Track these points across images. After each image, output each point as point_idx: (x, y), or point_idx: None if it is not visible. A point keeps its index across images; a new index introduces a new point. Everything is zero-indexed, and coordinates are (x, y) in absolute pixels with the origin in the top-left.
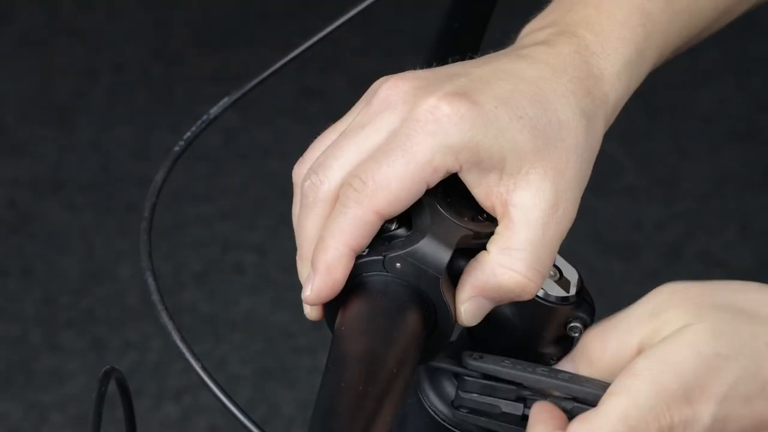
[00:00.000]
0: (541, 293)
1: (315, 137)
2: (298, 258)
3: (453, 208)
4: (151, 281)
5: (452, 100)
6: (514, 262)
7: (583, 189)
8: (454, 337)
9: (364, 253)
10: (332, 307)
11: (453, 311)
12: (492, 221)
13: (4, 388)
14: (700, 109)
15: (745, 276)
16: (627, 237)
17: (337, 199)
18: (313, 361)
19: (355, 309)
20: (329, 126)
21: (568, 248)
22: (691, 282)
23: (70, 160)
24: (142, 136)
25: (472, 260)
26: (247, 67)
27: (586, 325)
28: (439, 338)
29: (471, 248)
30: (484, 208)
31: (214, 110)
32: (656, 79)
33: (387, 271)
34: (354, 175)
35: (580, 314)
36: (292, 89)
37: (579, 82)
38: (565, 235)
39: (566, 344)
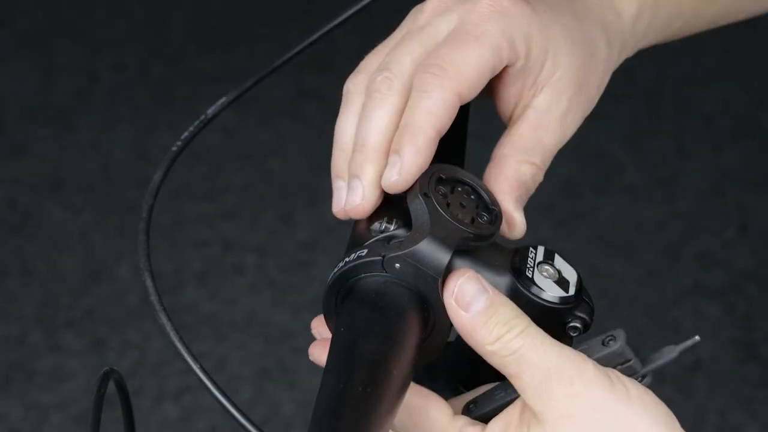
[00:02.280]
0: (540, 293)
1: (315, 137)
2: (358, 153)
3: (453, 210)
4: (149, 282)
5: None
6: (532, 156)
7: (589, 111)
8: (452, 339)
9: (363, 254)
10: (331, 306)
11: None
12: (492, 223)
13: (4, 388)
14: (702, 109)
15: (745, 276)
16: (627, 237)
17: (407, 93)
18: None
19: (354, 310)
20: (331, 126)
21: (569, 247)
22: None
23: (70, 160)
24: (142, 136)
25: (493, 172)
26: (247, 67)
27: (586, 325)
28: (437, 339)
29: (470, 250)
30: (503, 108)
31: (211, 110)
32: (658, 79)
33: (386, 272)
34: (430, 63)
35: (580, 314)
36: (292, 89)
37: (604, 16)
38: (564, 142)
39: (566, 344)
